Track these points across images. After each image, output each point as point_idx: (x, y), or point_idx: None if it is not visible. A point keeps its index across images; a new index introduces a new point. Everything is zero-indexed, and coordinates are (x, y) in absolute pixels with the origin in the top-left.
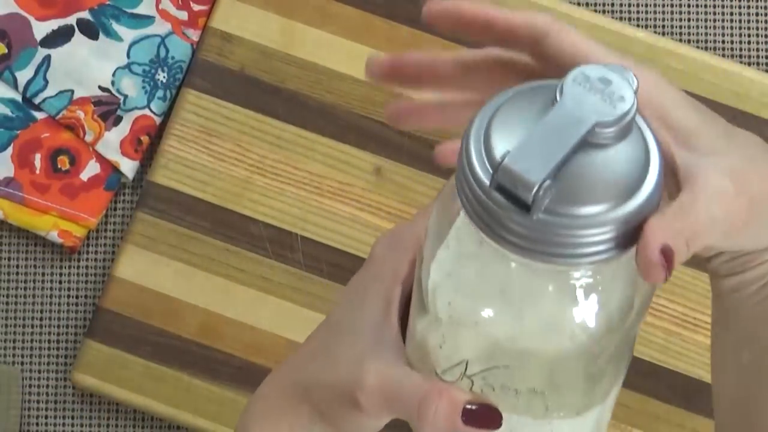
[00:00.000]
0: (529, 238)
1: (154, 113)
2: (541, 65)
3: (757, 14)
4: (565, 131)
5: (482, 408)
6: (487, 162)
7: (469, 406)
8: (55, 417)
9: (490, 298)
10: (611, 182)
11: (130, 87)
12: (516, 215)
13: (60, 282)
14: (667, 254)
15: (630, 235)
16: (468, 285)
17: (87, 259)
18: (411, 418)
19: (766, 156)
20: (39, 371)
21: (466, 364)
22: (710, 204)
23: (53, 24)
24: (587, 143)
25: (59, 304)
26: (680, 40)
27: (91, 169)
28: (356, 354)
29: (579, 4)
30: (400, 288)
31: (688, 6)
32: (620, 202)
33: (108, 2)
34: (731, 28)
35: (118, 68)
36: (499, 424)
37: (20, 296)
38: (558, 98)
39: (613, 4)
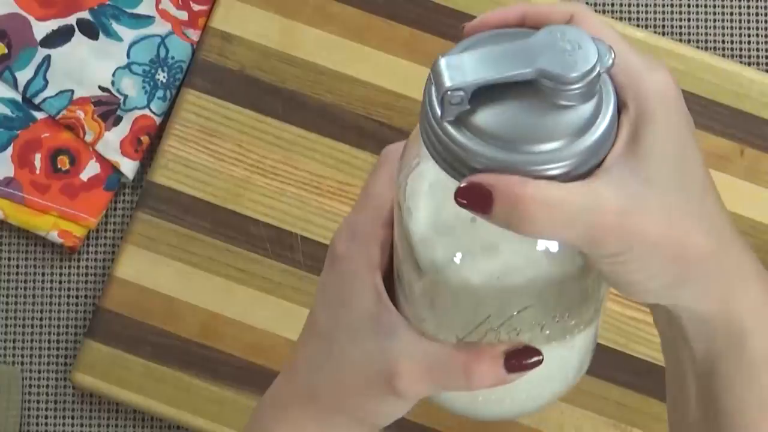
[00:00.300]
0: (441, 145)
1: (154, 113)
2: None
3: (757, 14)
4: (507, 63)
5: (520, 351)
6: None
7: (508, 356)
8: (55, 417)
9: (469, 246)
10: (530, 127)
11: (130, 87)
12: (433, 116)
13: (60, 282)
14: (477, 195)
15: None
16: (450, 242)
17: (87, 259)
18: (457, 387)
19: (701, 218)
20: (39, 371)
21: (489, 319)
22: (579, 206)
23: (53, 24)
24: (531, 89)
25: (59, 304)
26: (680, 40)
27: (91, 169)
28: (372, 350)
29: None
30: (380, 275)
31: (688, 6)
32: (518, 149)
33: (108, 2)
34: (731, 28)
35: (118, 68)
36: (541, 359)
37: (20, 296)
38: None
39: (613, 4)
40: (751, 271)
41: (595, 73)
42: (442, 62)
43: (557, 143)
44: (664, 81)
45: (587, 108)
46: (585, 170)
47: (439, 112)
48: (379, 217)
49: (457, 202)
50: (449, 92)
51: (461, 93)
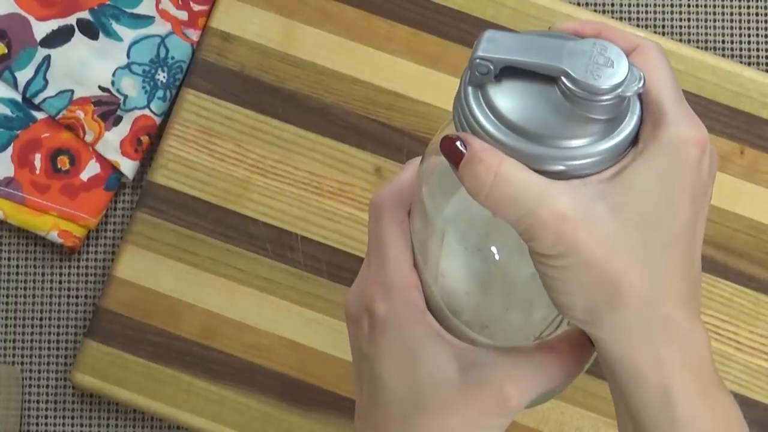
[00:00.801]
0: (460, 108)
1: (154, 113)
2: None
3: (757, 14)
4: (539, 53)
5: None
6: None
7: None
8: (55, 417)
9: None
10: (537, 120)
11: (130, 87)
12: (462, 80)
13: (60, 282)
14: (454, 148)
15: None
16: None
17: (87, 259)
18: (556, 384)
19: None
20: (39, 371)
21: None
22: (528, 190)
23: (53, 24)
24: (553, 86)
25: (59, 304)
26: (680, 40)
27: (91, 169)
28: (470, 386)
29: (579, 4)
30: (431, 317)
31: (688, 6)
32: (521, 135)
33: (108, 2)
34: (731, 28)
35: (118, 68)
36: None
37: (20, 296)
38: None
39: (613, 4)
40: (679, 336)
41: (612, 94)
42: (487, 33)
43: (555, 143)
44: (686, 138)
45: (597, 125)
46: (568, 178)
47: (468, 76)
48: (405, 264)
49: (441, 146)
50: (477, 60)
51: (488, 64)
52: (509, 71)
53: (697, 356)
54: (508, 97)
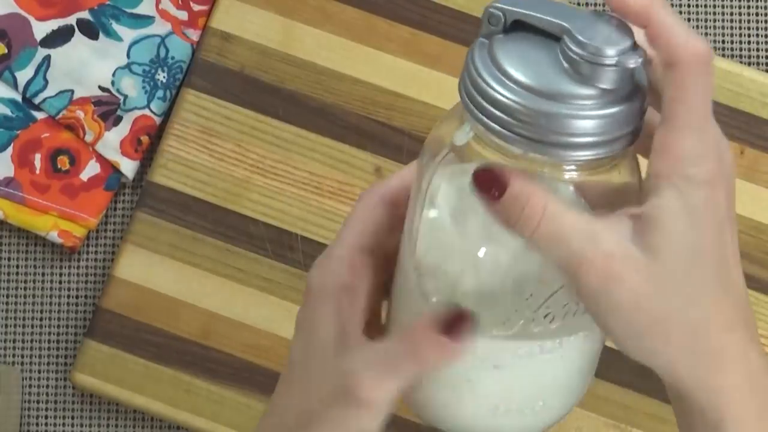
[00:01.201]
0: (465, 67)
1: (154, 113)
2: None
3: (757, 14)
4: (550, 12)
5: (453, 313)
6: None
7: (444, 323)
8: (55, 417)
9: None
10: (528, 71)
11: (130, 87)
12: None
13: (60, 282)
14: (493, 182)
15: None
16: (476, 233)
17: (87, 259)
18: (416, 372)
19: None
20: (39, 371)
21: (528, 302)
22: (575, 230)
23: (53, 24)
24: (556, 48)
25: (59, 304)
26: None
27: (91, 169)
28: (331, 369)
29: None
30: (350, 297)
31: (689, 6)
32: (510, 88)
33: (108, 2)
34: (731, 28)
35: (118, 68)
36: (472, 320)
37: (20, 296)
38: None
39: None
40: (731, 363)
41: (609, 59)
42: None
43: (557, 98)
44: (703, 180)
45: (596, 94)
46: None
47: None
48: (355, 243)
49: (474, 179)
50: (491, 9)
51: (500, 14)
52: (518, 25)
53: (754, 380)
54: (510, 50)
